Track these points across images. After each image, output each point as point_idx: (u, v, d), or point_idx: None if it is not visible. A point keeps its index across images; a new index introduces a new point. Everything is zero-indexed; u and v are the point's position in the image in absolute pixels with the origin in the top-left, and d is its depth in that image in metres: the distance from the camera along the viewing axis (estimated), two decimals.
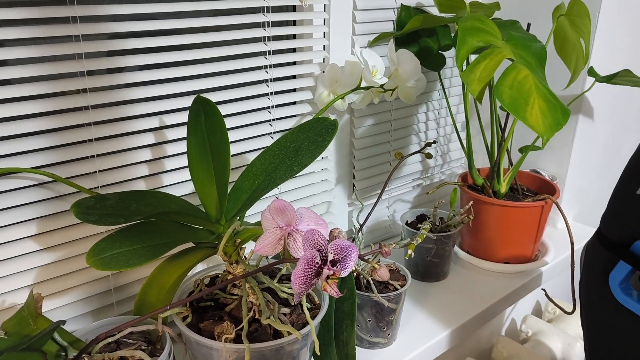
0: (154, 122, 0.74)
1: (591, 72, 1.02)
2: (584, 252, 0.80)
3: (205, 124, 0.67)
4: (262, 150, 0.70)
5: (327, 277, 0.51)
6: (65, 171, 0.68)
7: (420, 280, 0.97)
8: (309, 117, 0.93)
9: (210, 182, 0.65)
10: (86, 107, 0.69)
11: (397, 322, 0.81)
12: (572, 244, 0.94)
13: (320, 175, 0.97)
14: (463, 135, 1.15)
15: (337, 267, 0.52)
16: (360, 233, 0.82)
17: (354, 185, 1.06)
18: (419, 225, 0.86)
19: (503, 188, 1.01)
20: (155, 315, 0.58)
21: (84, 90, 0.68)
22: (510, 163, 1.06)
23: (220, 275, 0.68)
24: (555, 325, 1.12)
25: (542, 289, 1.07)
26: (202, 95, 0.67)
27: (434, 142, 0.90)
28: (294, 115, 0.92)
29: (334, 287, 0.51)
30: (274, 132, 0.88)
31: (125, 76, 0.71)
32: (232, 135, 0.82)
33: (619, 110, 1.24)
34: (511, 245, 0.99)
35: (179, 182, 0.78)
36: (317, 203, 0.97)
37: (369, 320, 0.79)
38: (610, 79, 0.99)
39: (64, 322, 0.56)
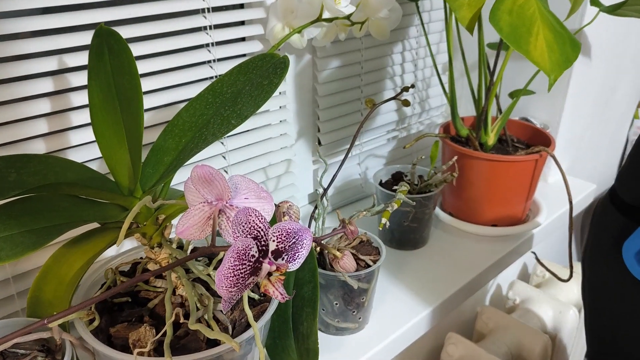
0: (52, 64, 0.57)
1: (594, 1, 0.87)
2: (592, 215, 0.67)
3: (111, 64, 0.50)
4: (193, 97, 0.54)
5: (269, 274, 0.37)
6: None
7: (395, 249, 0.84)
8: None
9: (120, 141, 0.49)
10: None
11: (370, 303, 0.68)
12: (570, 203, 0.81)
13: (278, 129, 0.82)
14: (444, 79, 1.00)
15: (282, 260, 0.37)
16: (324, 199, 0.67)
17: (318, 140, 0.91)
18: (395, 187, 0.72)
19: (491, 139, 0.87)
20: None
21: None
22: (499, 110, 0.91)
23: (142, 261, 0.53)
24: (545, 290, 1.01)
25: (532, 252, 0.95)
26: (111, 27, 0.50)
27: (412, 86, 0.75)
28: (243, 55, 0.76)
29: (280, 287, 0.37)
30: (217, 77, 0.72)
31: (9, 2, 0.53)
32: (159, 81, 0.65)
33: (616, 48, 1.10)
34: (500, 205, 0.86)
35: (90, 142, 0.61)
36: (274, 162, 0.82)
37: (336, 304, 0.65)
38: (616, 9, 0.84)
39: None
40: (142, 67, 0.63)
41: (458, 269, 0.80)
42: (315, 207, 0.67)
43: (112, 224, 0.50)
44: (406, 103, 0.73)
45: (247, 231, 0.36)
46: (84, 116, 0.60)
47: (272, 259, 0.36)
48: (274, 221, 0.44)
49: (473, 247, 0.86)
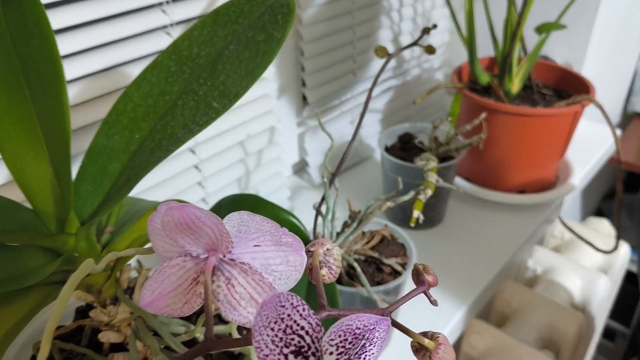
0: None
1: None
2: None
3: (7, 20, 0.31)
4: (146, 66, 0.35)
5: None
6: None
7: (409, 229, 0.69)
8: None
9: (34, 144, 0.31)
10: None
11: (396, 317, 0.53)
12: (619, 162, 0.67)
13: (256, 89, 0.63)
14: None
15: None
16: (332, 186, 0.50)
17: (304, 97, 0.73)
18: (421, 162, 0.55)
19: (515, 86, 0.72)
20: None
21: None
22: (523, 49, 0.75)
23: (89, 324, 0.35)
24: (568, 256, 0.89)
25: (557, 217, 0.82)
26: None
27: (434, 26, 0.57)
28: None
29: None
30: (172, 25, 0.52)
31: None
32: (87, 38, 0.45)
33: None
34: (530, 167, 0.71)
35: None
36: (253, 133, 0.63)
37: None
38: None
39: None
40: (55, 19, 0.43)
41: (487, 250, 0.66)
42: (322, 199, 0.50)
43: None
44: (431, 50, 0.55)
45: (284, 341, 0.19)
46: None
47: None
48: (303, 282, 0.27)
49: (499, 219, 0.71)
